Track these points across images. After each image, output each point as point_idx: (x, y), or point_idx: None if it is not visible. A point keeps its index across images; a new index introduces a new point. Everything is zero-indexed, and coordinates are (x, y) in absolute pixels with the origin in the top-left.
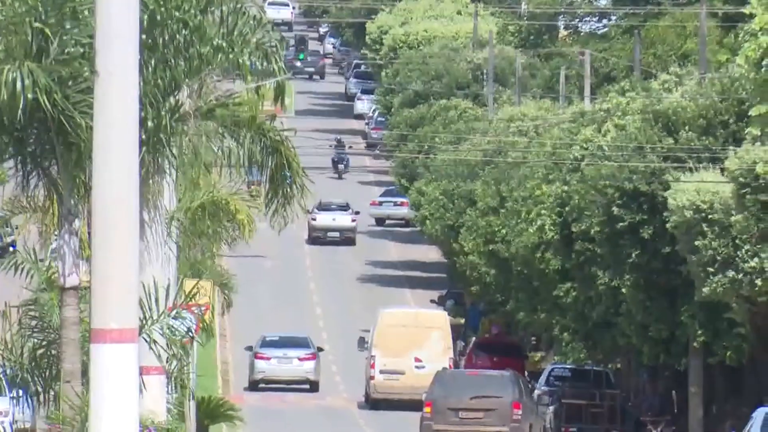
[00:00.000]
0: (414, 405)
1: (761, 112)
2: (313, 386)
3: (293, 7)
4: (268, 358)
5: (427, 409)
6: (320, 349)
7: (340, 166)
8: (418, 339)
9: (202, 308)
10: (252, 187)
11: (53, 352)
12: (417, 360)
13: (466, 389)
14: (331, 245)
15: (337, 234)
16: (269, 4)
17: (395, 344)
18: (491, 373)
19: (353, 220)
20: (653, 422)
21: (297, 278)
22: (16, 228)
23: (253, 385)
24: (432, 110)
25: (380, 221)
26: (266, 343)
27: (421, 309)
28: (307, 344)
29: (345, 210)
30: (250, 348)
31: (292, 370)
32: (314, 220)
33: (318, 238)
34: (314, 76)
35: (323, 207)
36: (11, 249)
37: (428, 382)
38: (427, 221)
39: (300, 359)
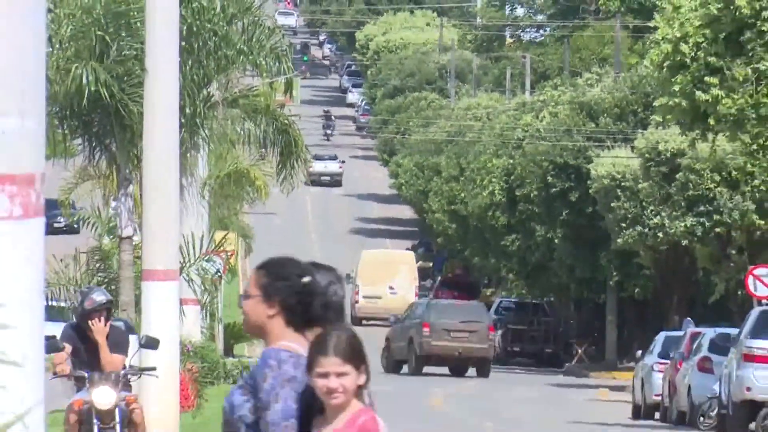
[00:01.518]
0: (385, 320)
1: (662, 103)
2: None
3: (297, 16)
4: None
5: (425, 330)
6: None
7: (328, 131)
8: (391, 272)
9: (228, 254)
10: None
11: (113, 287)
12: (391, 288)
13: (455, 315)
14: (324, 186)
15: (328, 177)
16: (279, 13)
17: (374, 276)
18: (472, 303)
19: (340, 167)
20: (578, 343)
21: (301, 231)
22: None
23: None
24: (407, 101)
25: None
26: None
27: (393, 250)
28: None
29: (333, 160)
30: None
31: None
32: (311, 167)
33: (314, 180)
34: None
35: (317, 158)
36: (72, 210)
37: (399, 304)
38: (403, 187)
39: None
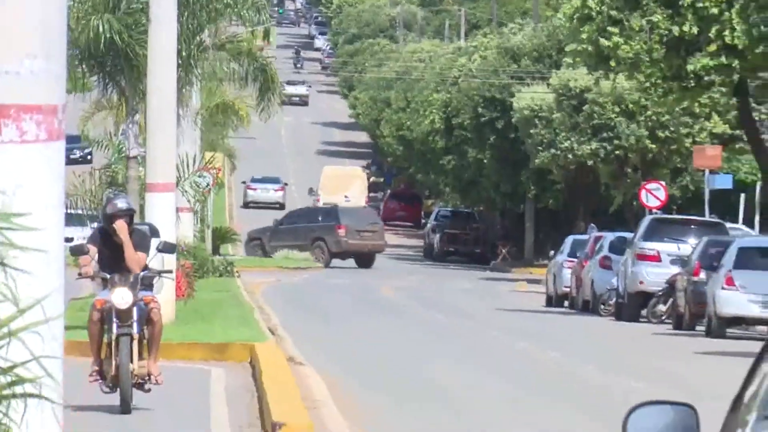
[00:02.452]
0: None
1: (572, 48)
2: (281, 207)
3: None
4: (255, 189)
5: (341, 231)
6: (286, 184)
7: (298, 65)
8: (346, 184)
9: (216, 170)
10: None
11: None
12: (345, 197)
13: (363, 219)
14: (294, 105)
15: (297, 98)
16: None
17: (332, 187)
18: (368, 208)
19: (307, 90)
20: (502, 244)
21: (276, 152)
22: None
23: (245, 205)
24: (363, 46)
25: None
26: (254, 180)
27: (347, 167)
28: (278, 181)
29: (303, 84)
30: (244, 182)
31: (269, 196)
32: (284, 89)
33: (285, 102)
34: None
35: (289, 83)
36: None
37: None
38: (360, 116)
39: (275, 190)
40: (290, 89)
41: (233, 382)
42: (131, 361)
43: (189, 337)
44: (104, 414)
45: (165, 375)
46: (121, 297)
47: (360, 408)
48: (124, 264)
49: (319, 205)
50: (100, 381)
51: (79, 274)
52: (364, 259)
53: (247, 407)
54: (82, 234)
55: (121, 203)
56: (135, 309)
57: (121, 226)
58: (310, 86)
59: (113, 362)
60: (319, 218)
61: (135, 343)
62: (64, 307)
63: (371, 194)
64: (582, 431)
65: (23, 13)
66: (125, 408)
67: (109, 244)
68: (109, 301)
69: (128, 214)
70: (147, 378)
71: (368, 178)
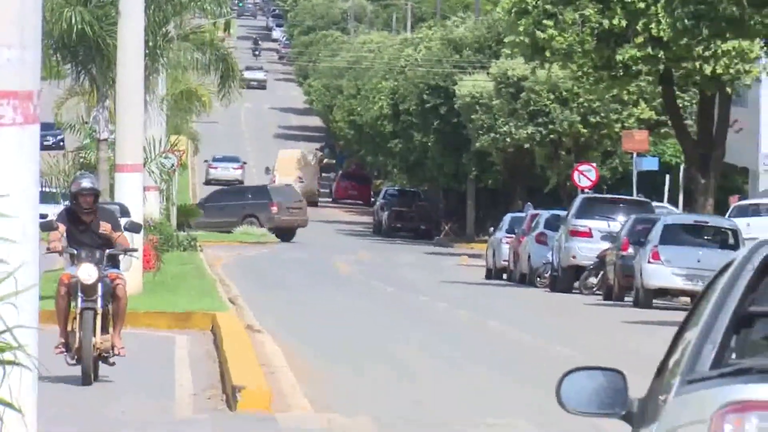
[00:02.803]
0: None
1: (511, 40)
2: (240, 183)
3: None
4: (216, 168)
5: (274, 208)
6: (245, 163)
7: (257, 53)
8: (298, 166)
9: (180, 152)
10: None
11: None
12: (299, 177)
13: (290, 197)
14: (254, 89)
15: (255, 83)
16: None
17: (287, 169)
18: (292, 187)
19: (264, 75)
20: (445, 222)
21: (236, 136)
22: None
23: (207, 183)
24: (317, 37)
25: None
26: (215, 159)
27: (301, 150)
28: (238, 160)
29: (260, 70)
30: (206, 161)
31: (229, 174)
32: (242, 74)
33: (244, 86)
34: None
35: (248, 68)
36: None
37: (306, 189)
38: (314, 102)
39: (234, 168)
40: (248, 74)
41: (196, 349)
42: (94, 335)
43: (155, 307)
44: (68, 385)
45: (132, 343)
46: (87, 273)
47: (314, 373)
48: (91, 241)
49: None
50: (66, 353)
51: (48, 249)
52: (288, 234)
53: (209, 372)
54: (55, 211)
55: (85, 183)
56: (100, 285)
57: (105, 227)
58: (267, 72)
59: (77, 335)
60: (249, 196)
61: (99, 318)
62: (39, 279)
63: (324, 174)
64: (517, 394)
65: (1, 5)
66: (86, 380)
67: (76, 222)
68: (76, 276)
69: (92, 194)
70: (111, 351)
71: (321, 160)
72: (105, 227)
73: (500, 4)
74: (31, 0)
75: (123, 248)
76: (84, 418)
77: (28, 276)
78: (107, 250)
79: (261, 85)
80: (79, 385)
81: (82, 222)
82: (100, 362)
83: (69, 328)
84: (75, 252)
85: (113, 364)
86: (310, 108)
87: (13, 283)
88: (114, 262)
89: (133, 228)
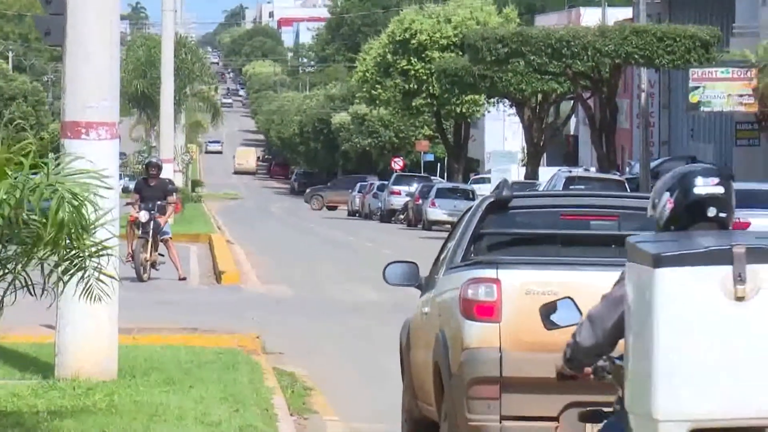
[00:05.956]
0: None
1: (359, 94)
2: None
3: None
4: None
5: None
6: (222, 143)
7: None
8: (246, 158)
9: (192, 152)
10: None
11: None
12: (250, 161)
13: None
14: (213, 154)
15: (215, 150)
16: None
17: (243, 160)
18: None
19: (220, 147)
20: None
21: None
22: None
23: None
24: (262, 93)
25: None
26: (210, 142)
27: (254, 149)
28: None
29: (218, 143)
30: (234, 156)
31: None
32: (207, 147)
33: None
34: None
35: (211, 142)
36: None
37: (250, 168)
38: (260, 126)
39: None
40: (211, 147)
41: (200, 252)
42: (145, 252)
43: (180, 231)
44: (129, 282)
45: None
46: (143, 215)
47: (260, 262)
48: (153, 196)
49: (236, 168)
50: (131, 261)
51: (128, 203)
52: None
53: (207, 264)
54: (122, 183)
55: (154, 160)
56: (151, 223)
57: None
58: (222, 143)
59: (136, 252)
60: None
61: (149, 243)
62: (119, 216)
63: (263, 163)
64: (363, 273)
65: (101, 78)
66: (139, 278)
67: (145, 184)
68: (137, 216)
69: (156, 166)
70: (156, 262)
71: (263, 156)
72: (169, 196)
73: (354, 75)
74: (115, 77)
75: (166, 202)
76: (139, 291)
77: (112, 214)
78: (158, 203)
79: (218, 151)
80: (135, 281)
81: (148, 185)
82: (150, 268)
83: (132, 248)
84: (140, 204)
85: (158, 269)
86: (258, 129)
87: (109, 216)
88: (163, 210)
89: (174, 190)
